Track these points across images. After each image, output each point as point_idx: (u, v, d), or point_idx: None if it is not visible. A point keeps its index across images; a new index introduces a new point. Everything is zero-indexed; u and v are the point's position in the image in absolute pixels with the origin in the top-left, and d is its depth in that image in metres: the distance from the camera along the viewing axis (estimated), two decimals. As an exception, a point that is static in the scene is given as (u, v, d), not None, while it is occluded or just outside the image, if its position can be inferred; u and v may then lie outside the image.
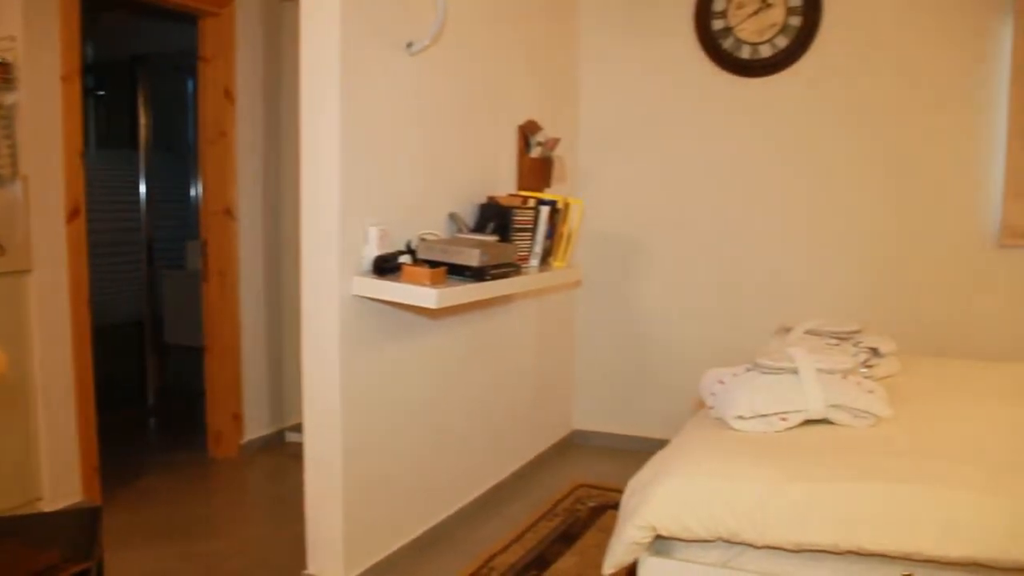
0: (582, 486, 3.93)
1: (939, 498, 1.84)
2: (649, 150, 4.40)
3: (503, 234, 3.24)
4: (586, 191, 4.50)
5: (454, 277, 2.82)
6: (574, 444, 4.67)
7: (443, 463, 3.37)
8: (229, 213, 4.27)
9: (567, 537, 3.32)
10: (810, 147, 4.05)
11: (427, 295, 2.64)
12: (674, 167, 4.35)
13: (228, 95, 4.20)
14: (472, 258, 2.81)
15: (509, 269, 3.02)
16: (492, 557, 3.12)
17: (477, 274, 2.82)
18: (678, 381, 4.37)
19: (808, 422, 2.32)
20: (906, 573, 1.88)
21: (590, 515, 3.56)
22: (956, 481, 1.88)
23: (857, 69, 3.93)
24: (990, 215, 3.74)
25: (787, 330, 3.19)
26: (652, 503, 1.99)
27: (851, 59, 3.94)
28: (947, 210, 3.81)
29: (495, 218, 3.27)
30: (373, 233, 2.77)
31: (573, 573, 2.98)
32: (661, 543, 2.09)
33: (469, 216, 3.34)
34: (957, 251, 3.80)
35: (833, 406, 2.31)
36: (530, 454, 4.19)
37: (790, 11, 4.02)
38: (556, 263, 3.61)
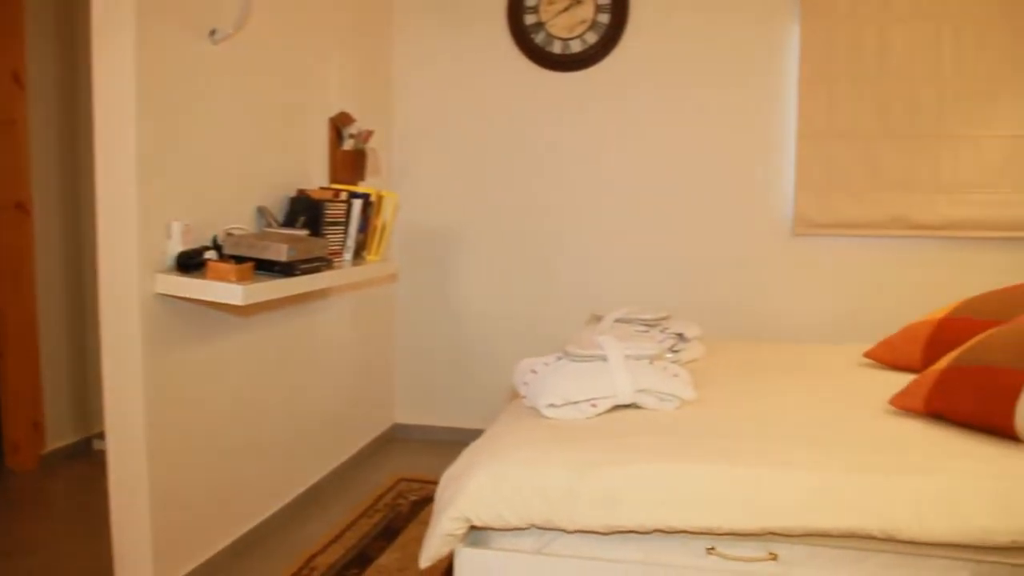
0: (403, 480, 3.92)
1: (738, 475, 1.93)
2: (465, 142, 4.42)
3: (314, 228, 3.17)
4: (402, 184, 4.47)
5: (262, 273, 2.74)
6: (396, 438, 4.65)
7: (259, 464, 3.27)
8: (22, 208, 3.98)
9: (389, 532, 3.30)
10: (620, 141, 4.18)
11: (233, 292, 2.55)
12: (490, 159, 4.39)
13: (17, 80, 3.91)
14: (280, 253, 2.74)
15: (320, 264, 2.97)
16: (312, 557, 3.06)
17: (286, 269, 2.75)
18: (496, 372, 4.43)
19: (617, 407, 2.39)
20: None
21: (412, 509, 3.55)
22: (754, 458, 1.98)
23: (663, 66, 4.09)
24: (785, 206, 3.98)
25: (598, 319, 3.28)
26: (465, 494, 2.00)
27: (657, 57, 4.09)
28: (748, 202, 4.03)
29: (306, 212, 3.20)
30: (176, 228, 2.65)
31: (395, 568, 2.97)
32: (477, 533, 2.10)
33: (279, 210, 3.25)
34: (758, 240, 4.03)
35: (640, 391, 2.38)
36: (351, 450, 4.14)
37: (599, 8, 4.14)
38: (370, 257, 3.57)
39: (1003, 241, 3.82)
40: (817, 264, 3.98)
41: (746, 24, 3.96)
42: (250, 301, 2.58)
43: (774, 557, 1.95)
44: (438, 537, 2.03)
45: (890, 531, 1.83)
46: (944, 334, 2.78)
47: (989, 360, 2.19)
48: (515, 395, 2.70)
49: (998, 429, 2.10)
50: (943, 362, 2.33)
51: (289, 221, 3.20)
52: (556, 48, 4.22)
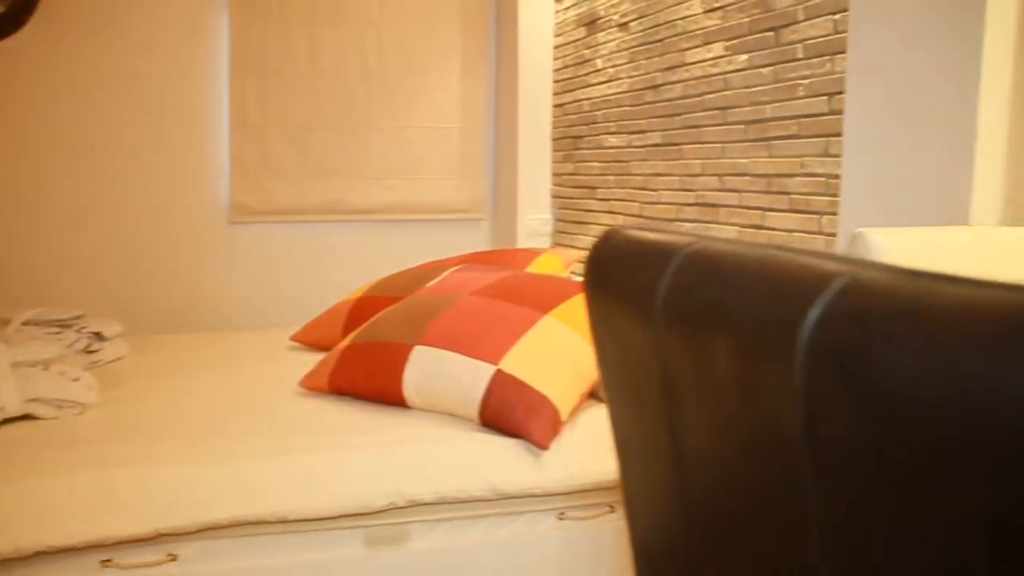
0: None
1: (125, 478, 1.84)
2: None
3: None
4: None
5: None
6: None
7: None
8: None
9: None
10: (43, 123, 3.80)
11: None
12: None
13: None
14: None
15: None
16: None
17: None
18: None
19: (8, 421, 2.16)
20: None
21: None
22: (145, 458, 1.91)
23: (91, 45, 3.78)
24: (220, 195, 3.93)
25: (6, 323, 2.95)
26: None
27: (81, 32, 3.77)
28: (181, 192, 3.90)
29: None
30: None
31: None
32: None
33: None
34: (192, 230, 3.92)
35: (32, 400, 2.18)
36: None
37: (-1, -24, 3.70)
38: None
39: (426, 222, 4.17)
40: (255, 251, 4.00)
41: (173, 15, 3.82)
42: None
43: (174, 558, 1.89)
44: None
45: (282, 513, 1.87)
46: (360, 313, 2.94)
47: (381, 336, 2.35)
48: None
49: (391, 399, 2.26)
50: (345, 341, 2.46)
51: None
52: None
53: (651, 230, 0.65)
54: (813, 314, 0.44)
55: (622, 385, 0.65)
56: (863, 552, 0.44)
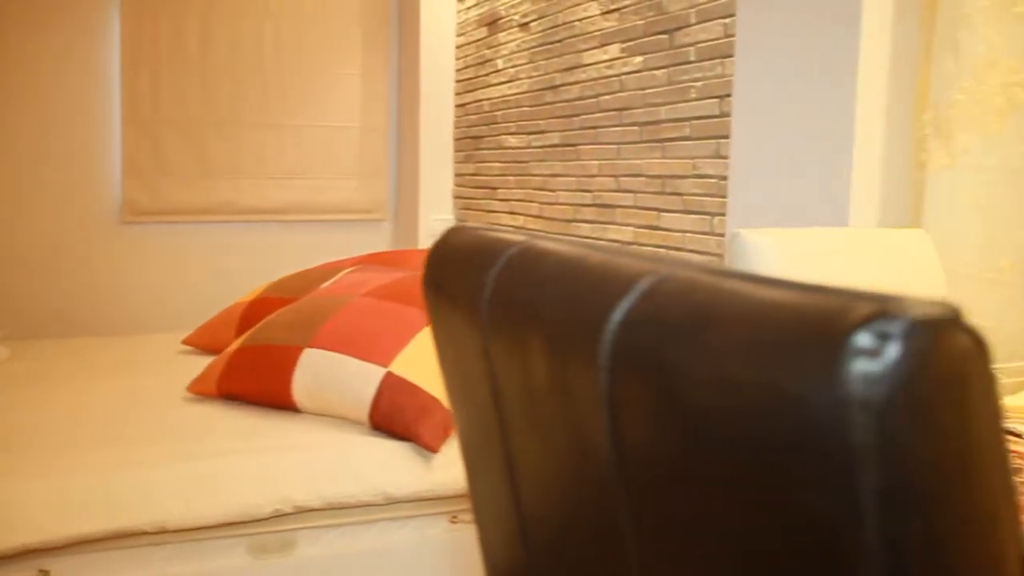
0: None
1: (1, 491, 1.75)
2: None
3: None
4: None
5: None
6: None
7: None
8: None
9: None
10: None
11: None
12: None
13: None
14: None
15: None
16: None
17: None
18: None
19: None
20: None
21: None
22: (11, 471, 1.82)
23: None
24: (112, 194, 3.79)
25: None
26: None
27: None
28: (70, 190, 3.75)
29: None
30: None
31: None
32: None
33: None
34: (83, 229, 3.78)
35: None
36: None
37: None
38: None
39: (326, 223, 4.10)
40: (148, 252, 3.87)
41: (63, 5, 3.66)
42: None
43: (47, 574, 1.81)
44: None
45: (160, 523, 1.80)
46: (253, 315, 2.86)
47: (271, 338, 2.29)
48: None
49: (281, 403, 2.21)
50: (235, 344, 2.39)
51: None
52: None
53: (489, 229, 0.63)
54: (616, 316, 0.42)
55: (460, 388, 0.63)
56: (678, 563, 0.43)
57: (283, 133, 3.99)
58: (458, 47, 3.84)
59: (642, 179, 2.58)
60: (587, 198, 2.85)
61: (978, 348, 0.33)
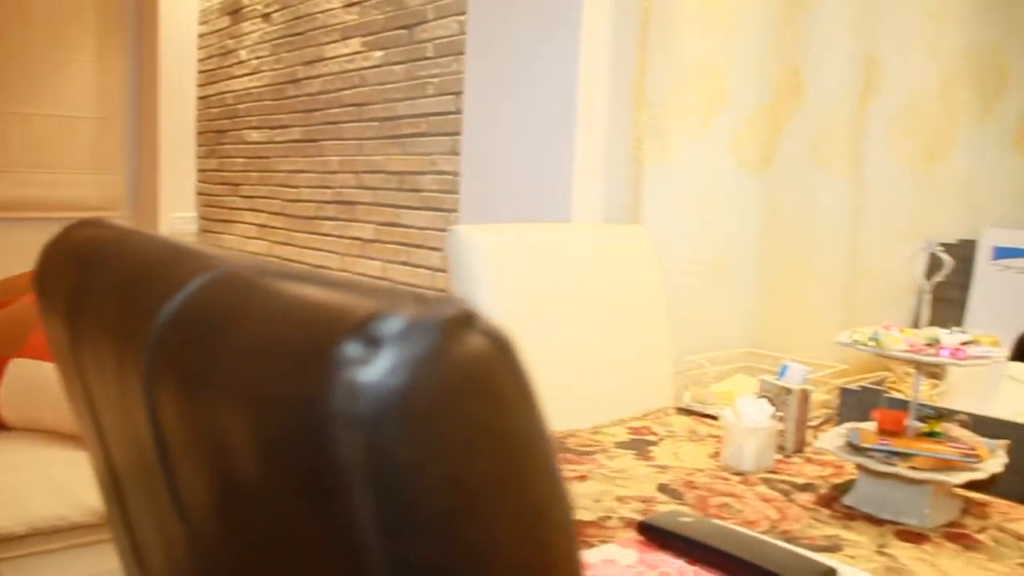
0: None
1: None
2: None
3: None
4: None
5: None
6: None
7: None
8: None
9: None
10: None
11: None
12: None
13: None
14: None
15: None
16: None
17: None
18: None
19: None
20: None
21: None
22: None
23: None
24: None
25: None
26: None
27: None
28: None
29: None
30: None
31: None
32: None
33: None
34: None
35: None
36: None
37: None
38: None
39: (57, 221, 3.75)
40: None
41: None
42: None
43: None
44: None
45: None
46: None
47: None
48: None
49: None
50: None
51: None
52: None
53: (103, 225, 0.56)
54: (163, 315, 0.37)
55: (68, 392, 0.56)
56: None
57: (8, 122, 3.64)
58: (201, 36, 3.65)
59: (382, 175, 2.54)
60: (329, 195, 2.78)
61: (498, 349, 0.31)
